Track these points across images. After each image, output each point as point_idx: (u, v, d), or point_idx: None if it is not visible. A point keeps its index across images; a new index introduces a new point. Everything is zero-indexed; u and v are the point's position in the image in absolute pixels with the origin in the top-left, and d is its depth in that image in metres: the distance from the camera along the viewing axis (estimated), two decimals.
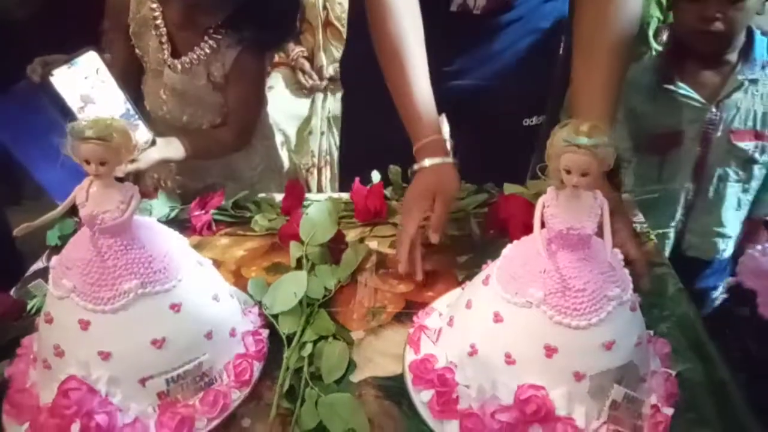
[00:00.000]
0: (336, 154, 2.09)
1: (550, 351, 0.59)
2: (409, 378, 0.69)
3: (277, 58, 2.06)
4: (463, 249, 0.92)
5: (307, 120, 2.11)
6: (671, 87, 1.18)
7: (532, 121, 1.19)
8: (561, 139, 0.55)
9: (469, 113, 1.18)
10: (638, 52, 1.63)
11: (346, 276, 0.85)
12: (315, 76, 2.07)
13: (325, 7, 2.04)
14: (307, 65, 2.07)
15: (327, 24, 2.06)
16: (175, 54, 1.11)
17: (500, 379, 0.62)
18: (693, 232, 1.28)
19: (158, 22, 1.10)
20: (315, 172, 2.11)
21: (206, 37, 1.08)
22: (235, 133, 1.18)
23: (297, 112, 2.09)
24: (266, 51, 1.19)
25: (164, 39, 1.10)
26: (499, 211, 0.94)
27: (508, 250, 0.67)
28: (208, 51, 1.09)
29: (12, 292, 0.85)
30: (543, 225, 0.61)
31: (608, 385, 0.59)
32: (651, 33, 1.73)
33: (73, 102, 0.87)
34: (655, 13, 1.73)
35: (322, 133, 2.09)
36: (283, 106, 2.04)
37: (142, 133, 0.98)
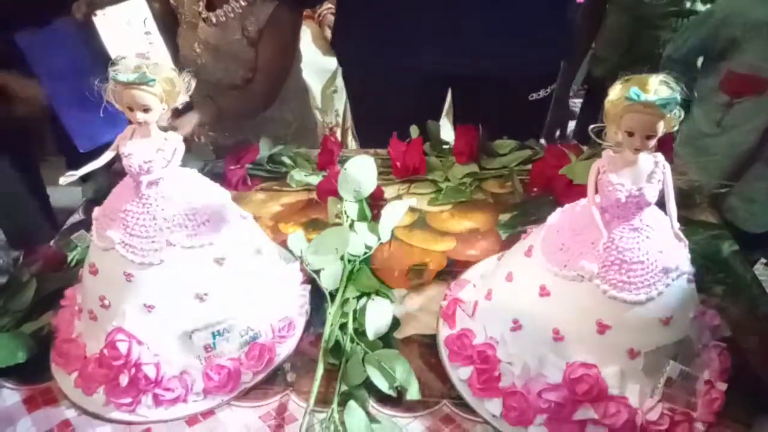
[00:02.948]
0: None
1: (602, 327, 0.56)
2: (444, 353, 0.65)
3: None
4: (506, 207, 0.89)
5: (333, 78, 2.05)
6: None
7: (539, 95, 1.13)
8: (624, 97, 0.50)
9: (474, 90, 1.11)
10: None
11: (385, 233, 0.83)
12: None
13: None
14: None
15: None
16: (210, 7, 1.07)
17: (547, 356, 0.58)
18: (737, 195, 1.20)
19: None
20: (339, 131, 2.07)
21: None
22: (262, 88, 1.14)
23: (322, 68, 2.04)
24: (303, 7, 1.14)
25: None
26: (543, 169, 0.90)
27: (554, 219, 0.62)
28: (243, 4, 1.05)
29: (51, 243, 0.85)
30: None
31: (664, 361, 0.56)
32: None
33: (112, 45, 0.83)
34: None
35: None
36: (309, 60, 1.99)
37: None
